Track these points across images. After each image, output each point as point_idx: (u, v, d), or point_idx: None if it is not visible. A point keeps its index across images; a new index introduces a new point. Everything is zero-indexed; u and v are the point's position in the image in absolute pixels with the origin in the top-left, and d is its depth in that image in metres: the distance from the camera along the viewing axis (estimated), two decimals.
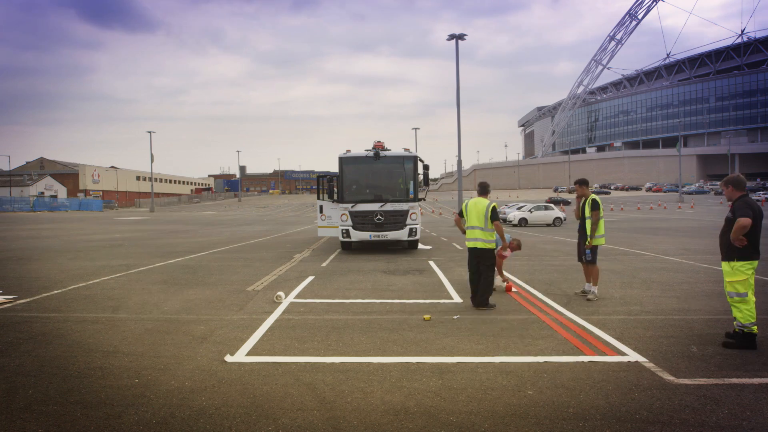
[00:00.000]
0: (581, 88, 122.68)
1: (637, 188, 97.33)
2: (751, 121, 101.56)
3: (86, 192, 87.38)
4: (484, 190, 7.51)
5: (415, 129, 69.73)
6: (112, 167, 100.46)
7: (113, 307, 7.14)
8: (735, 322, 5.05)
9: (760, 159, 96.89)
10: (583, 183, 7.91)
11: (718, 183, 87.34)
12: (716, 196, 73.22)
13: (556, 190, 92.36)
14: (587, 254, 7.61)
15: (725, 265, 5.12)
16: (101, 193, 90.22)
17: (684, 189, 74.75)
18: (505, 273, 8.62)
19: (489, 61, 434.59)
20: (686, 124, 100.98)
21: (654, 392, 3.87)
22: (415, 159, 14.83)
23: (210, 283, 9.36)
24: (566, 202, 58.17)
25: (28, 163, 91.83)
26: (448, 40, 31.14)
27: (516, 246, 8.75)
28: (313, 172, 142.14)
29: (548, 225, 29.68)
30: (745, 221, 4.85)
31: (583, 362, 4.59)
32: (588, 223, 7.59)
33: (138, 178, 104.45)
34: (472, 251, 7.22)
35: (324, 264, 12.16)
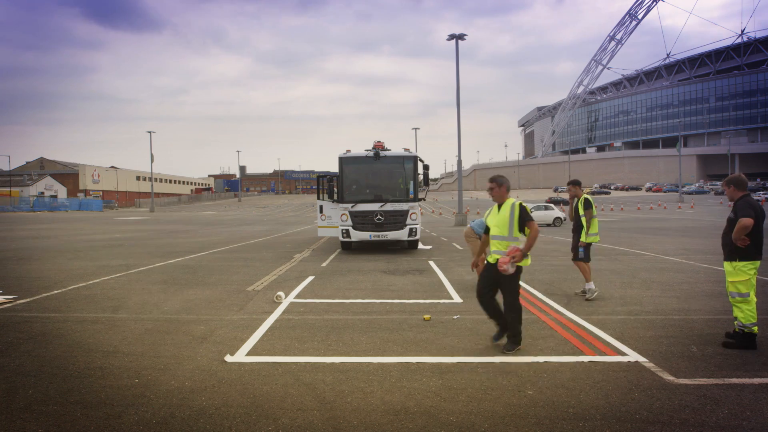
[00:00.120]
0: (581, 88, 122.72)
1: (637, 188, 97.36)
2: (751, 121, 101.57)
3: (86, 192, 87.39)
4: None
5: (415, 129, 69.80)
6: (112, 167, 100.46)
7: (113, 307, 7.14)
8: (736, 322, 5.05)
9: (760, 159, 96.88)
10: (576, 183, 8.10)
11: (719, 183, 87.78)
12: (716, 196, 73.23)
13: (556, 190, 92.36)
14: (580, 251, 7.78)
15: (727, 265, 5.12)
16: (101, 193, 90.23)
17: (684, 189, 74.75)
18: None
19: (490, 60, 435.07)
20: (686, 124, 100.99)
21: (654, 392, 3.87)
22: (415, 159, 14.83)
23: (210, 283, 9.36)
24: (566, 202, 58.13)
25: (28, 163, 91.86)
26: (448, 40, 31.16)
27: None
28: (313, 172, 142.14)
29: (548, 225, 29.67)
30: (747, 221, 4.85)
31: (583, 362, 4.59)
32: (584, 221, 7.79)
33: (138, 178, 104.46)
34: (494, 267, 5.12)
35: (324, 264, 12.16)
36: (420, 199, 15.01)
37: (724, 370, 4.35)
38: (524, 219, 5.02)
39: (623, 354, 4.82)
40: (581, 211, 7.77)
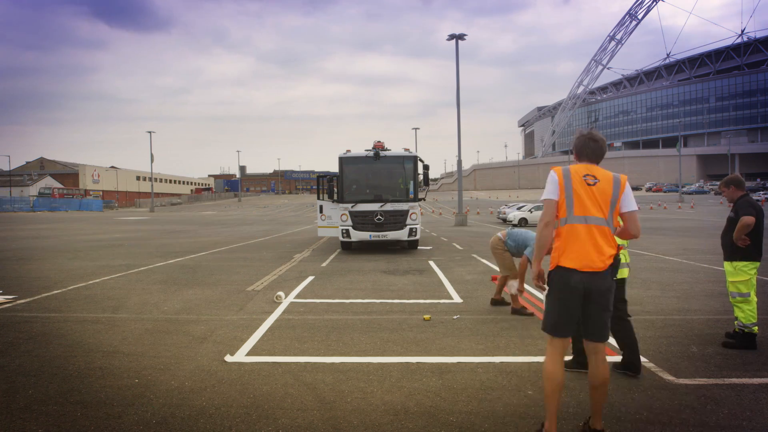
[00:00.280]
0: (581, 88, 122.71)
1: (637, 188, 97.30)
2: (751, 121, 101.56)
3: (86, 192, 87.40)
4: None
5: (415, 129, 69.82)
6: (112, 167, 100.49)
7: (113, 307, 7.14)
8: (736, 322, 5.07)
9: (760, 159, 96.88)
10: None
11: (718, 183, 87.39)
12: (716, 196, 73.17)
13: None
14: None
15: (728, 265, 5.14)
16: (101, 193, 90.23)
17: (684, 189, 74.74)
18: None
19: (492, 60, 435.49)
20: (686, 124, 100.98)
21: (654, 392, 3.87)
22: (415, 159, 14.83)
23: (210, 283, 9.36)
24: None
25: (28, 163, 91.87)
26: (447, 40, 31.17)
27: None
28: (313, 172, 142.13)
29: None
30: (749, 219, 4.87)
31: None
32: None
33: (138, 178, 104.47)
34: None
35: (324, 264, 12.16)
36: (420, 199, 15.02)
37: (724, 370, 4.35)
38: None
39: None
40: None
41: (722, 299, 7.38)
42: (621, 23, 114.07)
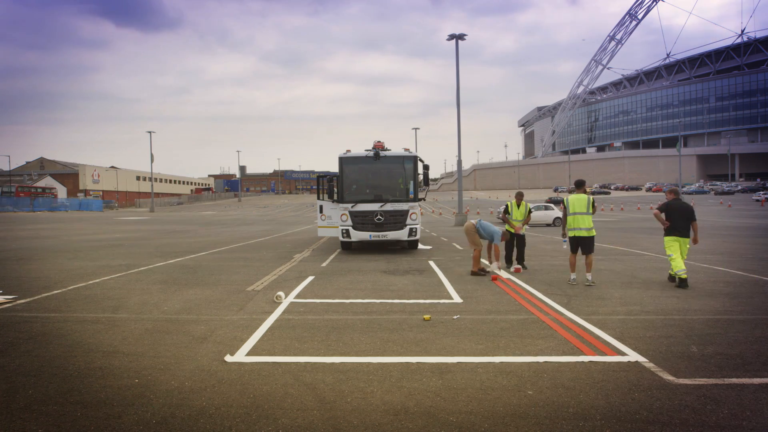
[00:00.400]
0: (581, 88, 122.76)
1: (637, 188, 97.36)
2: (751, 121, 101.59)
3: (86, 192, 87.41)
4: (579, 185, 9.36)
5: (415, 129, 69.82)
6: (112, 167, 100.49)
7: (113, 307, 7.14)
8: (669, 270, 8.85)
9: (760, 159, 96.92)
10: (579, 185, 9.47)
11: (719, 183, 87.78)
12: (716, 196, 73.24)
13: (556, 190, 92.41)
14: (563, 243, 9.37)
15: (666, 238, 8.81)
16: (101, 193, 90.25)
17: (684, 189, 74.75)
18: (494, 267, 10.26)
19: (494, 60, 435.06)
20: (686, 124, 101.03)
21: (654, 392, 3.88)
22: (415, 159, 14.83)
23: (210, 283, 9.37)
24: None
25: (28, 163, 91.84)
26: (448, 40, 31.18)
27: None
28: (313, 172, 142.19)
29: (548, 225, 29.69)
30: (655, 211, 8.83)
31: (583, 362, 4.59)
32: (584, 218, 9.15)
33: (138, 178, 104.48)
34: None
35: (324, 264, 12.16)
36: (420, 199, 15.01)
37: (724, 370, 4.35)
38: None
39: (623, 354, 4.82)
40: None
41: (722, 299, 7.39)
42: (621, 23, 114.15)
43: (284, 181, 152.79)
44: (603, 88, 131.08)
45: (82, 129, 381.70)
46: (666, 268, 10.86)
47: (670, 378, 4.16)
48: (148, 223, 37.84)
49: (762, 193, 63.21)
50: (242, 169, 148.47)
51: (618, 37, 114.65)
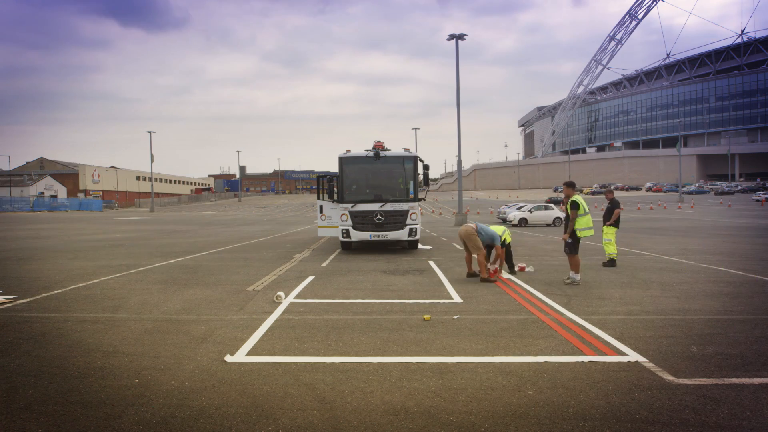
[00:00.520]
0: (581, 88, 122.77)
1: (637, 188, 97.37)
2: (751, 121, 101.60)
3: (86, 192, 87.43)
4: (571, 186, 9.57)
5: (415, 129, 69.84)
6: (112, 167, 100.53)
7: (113, 307, 7.15)
8: (607, 254, 11.04)
9: (760, 159, 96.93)
10: (570, 185, 9.58)
11: (719, 183, 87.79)
12: (716, 196, 73.25)
13: (556, 190, 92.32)
14: (565, 246, 9.13)
15: (605, 227, 11.31)
16: (101, 193, 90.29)
17: (684, 189, 74.78)
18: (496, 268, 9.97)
19: (495, 60, 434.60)
20: (686, 124, 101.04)
21: (654, 392, 3.88)
22: (415, 159, 14.84)
23: (210, 283, 9.37)
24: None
25: (28, 163, 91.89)
26: (448, 40, 31.19)
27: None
28: (313, 172, 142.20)
29: (548, 225, 29.68)
30: (572, 213, 9.01)
31: (583, 362, 4.59)
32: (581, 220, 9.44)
33: (138, 178, 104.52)
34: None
35: (324, 264, 12.16)
36: (420, 199, 15.02)
37: (724, 370, 4.35)
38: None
39: (623, 354, 4.82)
40: (568, 211, 9.11)
41: (722, 299, 7.39)
42: (621, 23, 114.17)
43: (284, 181, 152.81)
44: (603, 88, 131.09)
45: (82, 129, 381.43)
46: (667, 267, 10.89)
47: (670, 378, 4.16)
48: (148, 223, 37.84)
49: (762, 193, 63.22)
50: (242, 169, 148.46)
51: (618, 37, 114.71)
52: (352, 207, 14.48)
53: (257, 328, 5.88)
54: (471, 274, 9.85)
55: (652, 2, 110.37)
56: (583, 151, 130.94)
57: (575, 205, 8.97)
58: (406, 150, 15.08)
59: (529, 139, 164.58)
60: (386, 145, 15.00)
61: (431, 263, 12.06)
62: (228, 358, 4.76)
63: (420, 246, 16.04)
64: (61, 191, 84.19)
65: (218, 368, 4.50)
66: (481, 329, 5.80)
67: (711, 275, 9.68)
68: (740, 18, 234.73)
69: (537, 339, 5.36)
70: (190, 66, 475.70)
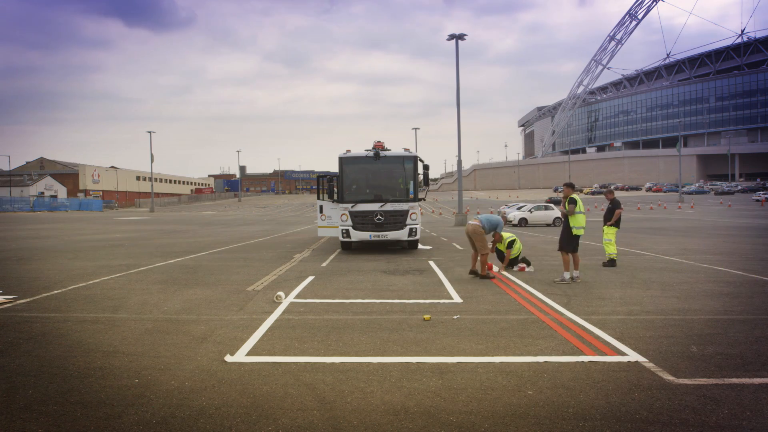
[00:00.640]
0: (581, 88, 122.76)
1: (637, 188, 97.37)
2: (751, 121, 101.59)
3: (86, 192, 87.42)
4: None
5: (415, 129, 69.81)
6: (112, 167, 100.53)
7: (113, 307, 7.14)
8: (607, 254, 11.05)
9: (760, 159, 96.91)
10: (569, 186, 9.90)
11: (719, 183, 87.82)
12: (716, 196, 73.24)
13: (556, 190, 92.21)
14: (559, 244, 9.50)
15: (605, 227, 11.34)
16: (101, 193, 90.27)
17: (684, 189, 74.77)
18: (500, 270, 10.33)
19: (496, 60, 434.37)
20: (686, 124, 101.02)
21: (654, 392, 3.87)
22: (415, 159, 14.84)
23: (210, 283, 9.37)
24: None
25: (28, 163, 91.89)
26: (448, 40, 31.19)
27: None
28: (313, 172, 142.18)
29: (548, 225, 29.69)
30: (570, 207, 9.32)
31: (583, 362, 4.59)
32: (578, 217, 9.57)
33: (138, 178, 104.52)
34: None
35: (324, 264, 12.16)
36: (420, 199, 15.02)
37: (724, 370, 4.35)
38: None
39: (623, 354, 4.82)
40: (566, 207, 9.40)
41: (722, 299, 7.39)
42: (621, 23, 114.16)
43: (284, 181, 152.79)
44: (603, 88, 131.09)
45: (82, 129, 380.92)
46: (667, 267, 10.89)
47: (670, 378, 4.16)
48: (148, 223, 37.84)
49: (762, 193, 63.24)
50: (242, 169, 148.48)
51: (618, 37, 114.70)
52: (352, 207, 14.48)
53: (257, 328, 5.88)
54: (473, 272, 9.95)
55: (652, 2, 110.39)
56: (583, 151, 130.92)
57: (573, 201, 9.39)
58: (406, 150, 15.08)
59: (529, 139, 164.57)
60: (386, 145, 15.00)
61: (431, 263, 12.06)
62: (228, 358, 4.76)
63: (420, 246, 16.04)
64: (61, 191, 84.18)
65: (218, 368, 4.50)
66: (481, 329, 5.80)
67: (711, 275, 9.68)
68: (740, 18, 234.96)
69: (537, 339, 5.36)
70: (191, 66, 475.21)
